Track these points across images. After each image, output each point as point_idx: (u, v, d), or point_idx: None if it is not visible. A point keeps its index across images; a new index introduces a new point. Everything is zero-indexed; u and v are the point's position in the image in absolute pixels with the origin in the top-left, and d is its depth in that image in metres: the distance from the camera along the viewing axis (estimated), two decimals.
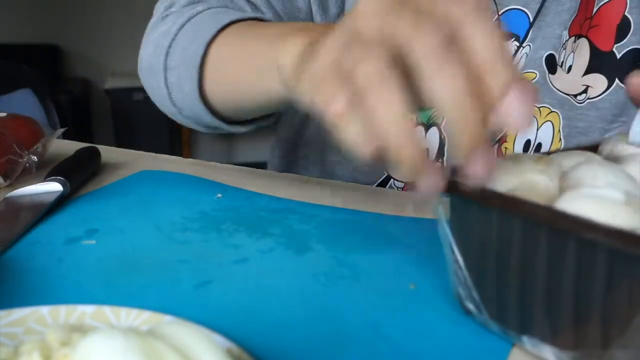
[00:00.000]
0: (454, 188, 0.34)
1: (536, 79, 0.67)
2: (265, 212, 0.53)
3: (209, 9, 0.59)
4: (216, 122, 0.59)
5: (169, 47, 0.58)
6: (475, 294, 0.36)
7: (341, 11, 0.68)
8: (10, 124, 0.63)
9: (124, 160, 0.68)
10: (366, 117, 0.31)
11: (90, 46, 3.57)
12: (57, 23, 3.59)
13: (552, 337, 0.32)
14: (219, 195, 0.56)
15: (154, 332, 0.26)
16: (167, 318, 0.31)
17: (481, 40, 0.30)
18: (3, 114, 0.66)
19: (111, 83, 3.17)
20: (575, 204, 0.30)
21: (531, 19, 0.67)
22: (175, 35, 0.58)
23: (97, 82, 3.49)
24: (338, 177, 0.73)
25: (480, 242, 0.35)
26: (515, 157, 0.36)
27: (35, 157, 0.62)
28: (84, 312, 0.32)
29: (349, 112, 0.32)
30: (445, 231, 0.37)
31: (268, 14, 0.65)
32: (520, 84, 0.30)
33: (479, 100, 0.30)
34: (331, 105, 0.32)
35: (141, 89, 0.86)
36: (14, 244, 0.46)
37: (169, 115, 0.64)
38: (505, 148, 0.69)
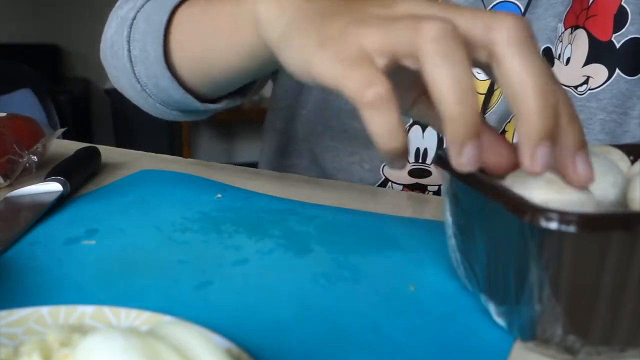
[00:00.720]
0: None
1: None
2: (265, 212, 0.53)
3: None
4: (186, 97, 0.55)
5: (134, 19, 0.56)
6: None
7: None
8: (10, 124, 0.63)
9: (124, 160, 0.68)
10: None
11: (90, 46, 3.57)
12: (57, 23, 3.59)
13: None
14: (219, 195, 0.56)
15: (154, 332, 0.26)
16: (167, 318, 0.31)
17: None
18: (3, 114, 0.66)
19: (111, 83, 3.16)
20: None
21: (522, 10, 0.67)
22: (140, 7, 0.56)
23: (97, 82, 3.49)
24: (329, 168, 0.72)
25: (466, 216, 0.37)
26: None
27: (35, 157, 0.62)
28: (84, 312, 0.32)
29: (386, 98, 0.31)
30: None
31: None
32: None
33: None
34: (367, 91, 0.31)
35: None
36: (14, 244, 0.46)
37: (134, 101, 0.61)
38: None
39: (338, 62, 0.33)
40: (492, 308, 0.36)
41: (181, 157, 0.72)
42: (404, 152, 0.33)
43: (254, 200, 0.56)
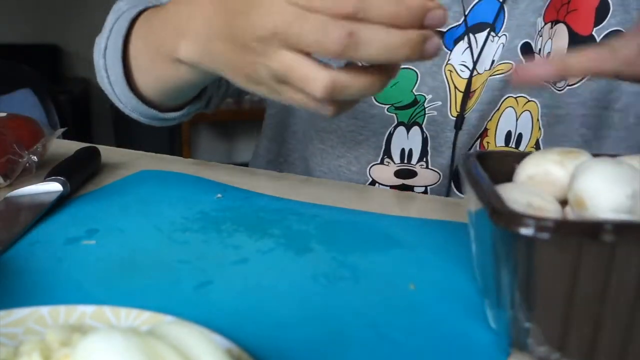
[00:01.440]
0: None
1: (512, 69, 0.66)
2: (265, 212, 0.53)
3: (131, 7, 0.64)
4: (148, 110, 0.63)
5: (105, 48, 0.64)
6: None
7: None
8: (10, 124, 0.63)
9: (124, 160, 0.68)
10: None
11: (90, 46, 3.56)
12: (57, 23, 3.59)
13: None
14: (219, 195, 0.56)
15: (154, 332, 0.26)
16: (167, 318, 0.31)
17: None
18: (3, 114, 0.66)
19: None
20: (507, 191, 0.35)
21: (505, 7, 0.67)
22: (108, 36, 0.64)
23: (97, 82, 3.50)
24: (317, 171, 0.73)
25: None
26: (544, 150, 0.39)
27: (35, 157, 0.62)
28: (84, 312, 0.32)
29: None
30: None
31: None
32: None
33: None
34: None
35: None
36: (13, 244, 0.46)
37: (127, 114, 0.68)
38: (487, 142, 0.69)
39: None
40: (487, 311, 0.36)
41: (181, 157, 0.72)
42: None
43: (253, 200, 0.56)
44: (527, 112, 0.67)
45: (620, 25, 0.65)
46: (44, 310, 0.32)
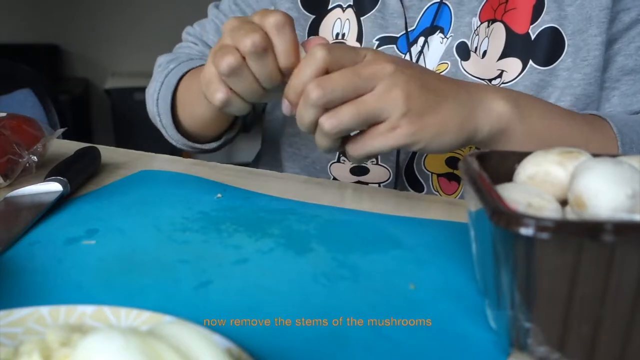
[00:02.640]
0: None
1: (448, 69, 0.69)
2: (265, 212, 0.53)
3: (179, 64, 0.78)
4: (190, 146, 0.77)
5: (157, 99, 0.77)
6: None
7: None
8: (10, 123, 0.63)
9: (124, 160, 0.68)
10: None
11: (90, 46, 3.56)
12: (57, 23, 3.59)
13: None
14: (219, 195, 0.56)
15: (154, 332, 0.26)
16: (167, 318, 0.31)
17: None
18: (3, 114, 0.66)
19: (111, 83, 3.16)
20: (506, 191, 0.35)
21: (452, 10, 0.70)
22: (159, 90, 0.77)
23: (97, 82, 3.49)
24: (292, 168, 0.79)
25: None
26: (544, 150, 0.39)
27: (35, 157, 0.62)
28: (84, 312, 0.32)
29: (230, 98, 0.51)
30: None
31: None
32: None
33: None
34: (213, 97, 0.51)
35: (141, 89, 0.91)
36: (13, 244, 0.46)
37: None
38: None
39: None
40: (487, 311, 0.36)
41: (181, 157, 0.72)
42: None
43: (253, 200, 0.56)
44: None
45: (554, 22, 0.66)
46: (44, 310, 0.32)
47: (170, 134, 0.78)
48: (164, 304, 0.38)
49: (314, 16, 0.76)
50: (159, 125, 0.78)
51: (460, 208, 0.57)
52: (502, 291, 0.32)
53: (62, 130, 0.71)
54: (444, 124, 0.49)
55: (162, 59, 0.83)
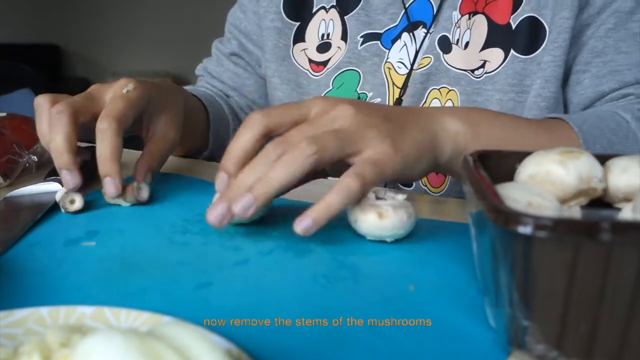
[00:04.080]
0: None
1: (431, 63, 0.70)
2: (265, 213, 0.52)
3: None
4: None
5: None
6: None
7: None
8: (10, 123, 0.63)
9: (124, 160, 0.68)
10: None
11: (90, 46, 3.57)
12: (57, 23, 3.59)
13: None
14: None
15: (154, 333, 0.26)
16: (167, 319, 0.31)
17: None
18: (3, 114, 0.66)
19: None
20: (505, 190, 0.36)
21: (434, 6, 0.71)
22: None
23: (97, 82, 3.50)
24: None
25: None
26: (545, 150, 0.39)
27: (35, 157, 0.62)
28: (84, 313, 0.32)
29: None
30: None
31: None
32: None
33: None
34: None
35: None
36: (13, 245, 0.46)
37: None
38: None
39: None
40: (487, 310, 0.36)
41: (181, 158, 0.72)
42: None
43: None
44: (450, 101, 0.70)
45: (534, 12, 0.67)
46: (44, 311, 0.32)
47: None
48: (163, 304, 0.38)
49: (298, 23, 0.76)
50: None
51: (461, 208, 0.57)
52: (501, 289, 0.32)
53: None
54: (412, 153, 0.47)
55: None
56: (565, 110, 0.71)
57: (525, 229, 0.28)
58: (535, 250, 0.29)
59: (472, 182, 0.35)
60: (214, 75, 0.87)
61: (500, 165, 0.41)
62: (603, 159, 0.40)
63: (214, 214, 0.44)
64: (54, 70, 3.57)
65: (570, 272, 0.29)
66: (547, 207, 0.35)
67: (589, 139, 0.57)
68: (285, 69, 0.77)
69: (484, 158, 0.39)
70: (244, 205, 0.43)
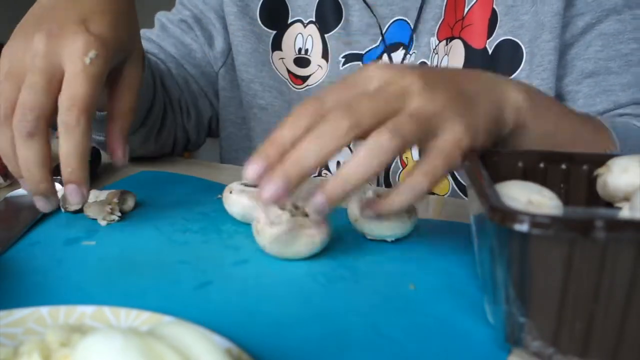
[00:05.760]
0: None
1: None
2: None
3: None
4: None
5: None
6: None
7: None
8: None
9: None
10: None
11: None
12: None
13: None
14: (219, 195, 0.56)
15: (154, 332, 0.26)
16: (167, 318, 0.31)
17: None
18: None
19: None
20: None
21: (412, 27, 0.71)
22: None
23: None
24: None
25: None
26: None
27: None
28: (84, 312, 0.32)
29: None
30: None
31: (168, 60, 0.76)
32: None
33: None
34: None
35: None
36: (13, 244, 0.45)
37: None
38: (406, 157, 0.72)
39: None
40: (486, 307, 0.37)
41: (181, 157, 0.72)
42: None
43: None
44: None
45: (509, 34, 0.67)
46: (44, 311, 0.32)
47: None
48: (163, 304, 0.38)
49: (274, 32, 0.76)
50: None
51: (461, 208, 0.57)
52: (498, 286, 0.32)
53: None
54: (483, 129, 0.43)
55: None
56: None
57: (520, 227, 0.29)
58: (530, 247, 0.29)
59: (472, 181, 0.35)
60: (154, 39, 0.76)
61: (502, 164, 0.41)
62: (604, 158, 0.40)
63: (270, 188, 0.37)
64: None
65: (566, 270, 0.29)
66: (548, 206, 0.35)
67: (621, 141, 0.57)
68: (267, 74, 0.76)
69: (485, 157, 0.40)
70: (316, 203, 0.38)
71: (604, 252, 0.29)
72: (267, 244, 0.43)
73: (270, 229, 0.42)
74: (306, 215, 0.43)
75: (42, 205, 0.46)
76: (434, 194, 0.71)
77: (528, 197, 0.35)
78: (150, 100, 0.67)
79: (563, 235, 0.29)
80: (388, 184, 0.72)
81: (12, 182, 0.59)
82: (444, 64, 0.69)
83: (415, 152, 0.71)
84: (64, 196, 0.51)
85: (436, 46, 0.70)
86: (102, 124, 0.61)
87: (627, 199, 0.39)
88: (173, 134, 0.73)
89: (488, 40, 0.68)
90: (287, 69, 0.75)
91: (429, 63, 0.69)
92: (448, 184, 0.71)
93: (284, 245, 0.43)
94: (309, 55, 0.74)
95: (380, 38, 0.72)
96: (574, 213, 0.38)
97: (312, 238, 0.43)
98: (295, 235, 0.42)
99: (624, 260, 0.29)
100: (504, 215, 0.29)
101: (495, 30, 0.68)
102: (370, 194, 0.47)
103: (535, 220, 0.28)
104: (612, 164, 0.39)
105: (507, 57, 0.67)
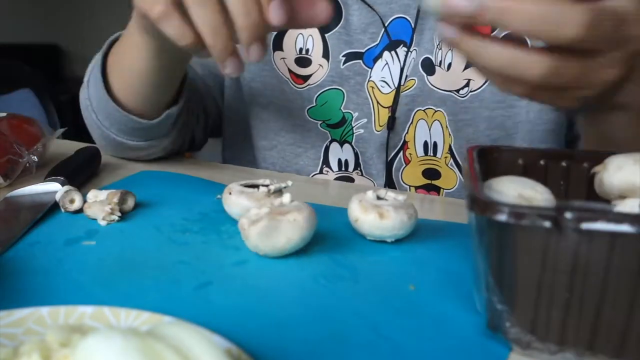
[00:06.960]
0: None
1: (415, 85, 0.70)
2: None
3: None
4: (128, 117, 0.64)
5: (88, 81, 0.70)
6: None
7: None
8: (10, 123, 0.63)
9: (124, 161, 0.68)
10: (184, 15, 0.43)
11: (90, 46, 3.57)
12: (57, 23, 3.59)
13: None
14: (219, 196, 0.56)
15: (154, 332, 0.26)
16: (167, 319, 0.31)
17: None
18: (3, 114, 0.66)
19: None
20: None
21: (412, 25, 0.71)
22: (90, 71, 0.70)
23: None
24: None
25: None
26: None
27: (35, 157, 0.62)
28: (84, 312, 0.32)
29: (168, 12, 0.44)
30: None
31: None
32: None
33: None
34: (152, 8, 0.44)
35: None
36: (14, 245, 0.46)
37: (106, 150, 0.70)
38: (410, 154, 0.72)
39: None
40: (475, 296, 0.37)
41: (181, 157, 0.72)
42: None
43: None
44: (437, 121, 0.70)
45: None
46: (44, 311, 0.32)
47: (106, 109, 0.66)
48: (163, 304, 0.38)
49: (275, 32, 0.76)
50: (91, 117, 0.69)
51: (461, 208, 0.57)
52: (480, 275, 0.33)
53: (62, 130, 0.71)
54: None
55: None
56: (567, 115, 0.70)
57: (498, 217, 0.30)
58: (507, 236, 0.31)
59: (465, 176, 0.35)
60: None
61: (502, 161, 0.42)
62: (601, 156, 0.40)
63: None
64: (54, 70, 3.56)
65: (541, 260, 0.30)
66: (539, 200, 0.35)
67: None
68: (268, 73, 0.76)
69: (484, 153, 0.40)
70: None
71: (578, 242, 0.29)
72: (258, 244, 0.43)
73: (254, 227, 0.43)
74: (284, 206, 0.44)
75: (234, 66, 0.45)
76: (438, 192, 0.71)
77: (519, 192, 0.36)
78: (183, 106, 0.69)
79: (537, 225, 0.30)
80: (391, 183, 0.72)
81: (12, 182, 0.59)
82: (448, 59, 0.69)
83: (419, 149, 0.71)
84: (63, 197, 0.51)
85: (440, 42, 0.69)
86: (132, 129, 0.65)
87: (622, 196, 0.39)
88: (184, 137, 0.75)
89: (493, 34, 0.67)
90: (288, 68, 0.75)
91: (432, 58, 0.69)
92: (455, 178, 0.71)
93: (271, 237, 0.43)
94: (309, 55, 0.74)
95: (381, 35, 0.72)
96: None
97: (295, 222, 0.43)
98: (277, 224, 0.42)
99: (597, 251, 0.29)
100: (484, 205, 0.30)
101: None
102: (370, 194, 0.47)
103: (513, 211, 0.30)
104: (608, 162, 0.39)
105: None
